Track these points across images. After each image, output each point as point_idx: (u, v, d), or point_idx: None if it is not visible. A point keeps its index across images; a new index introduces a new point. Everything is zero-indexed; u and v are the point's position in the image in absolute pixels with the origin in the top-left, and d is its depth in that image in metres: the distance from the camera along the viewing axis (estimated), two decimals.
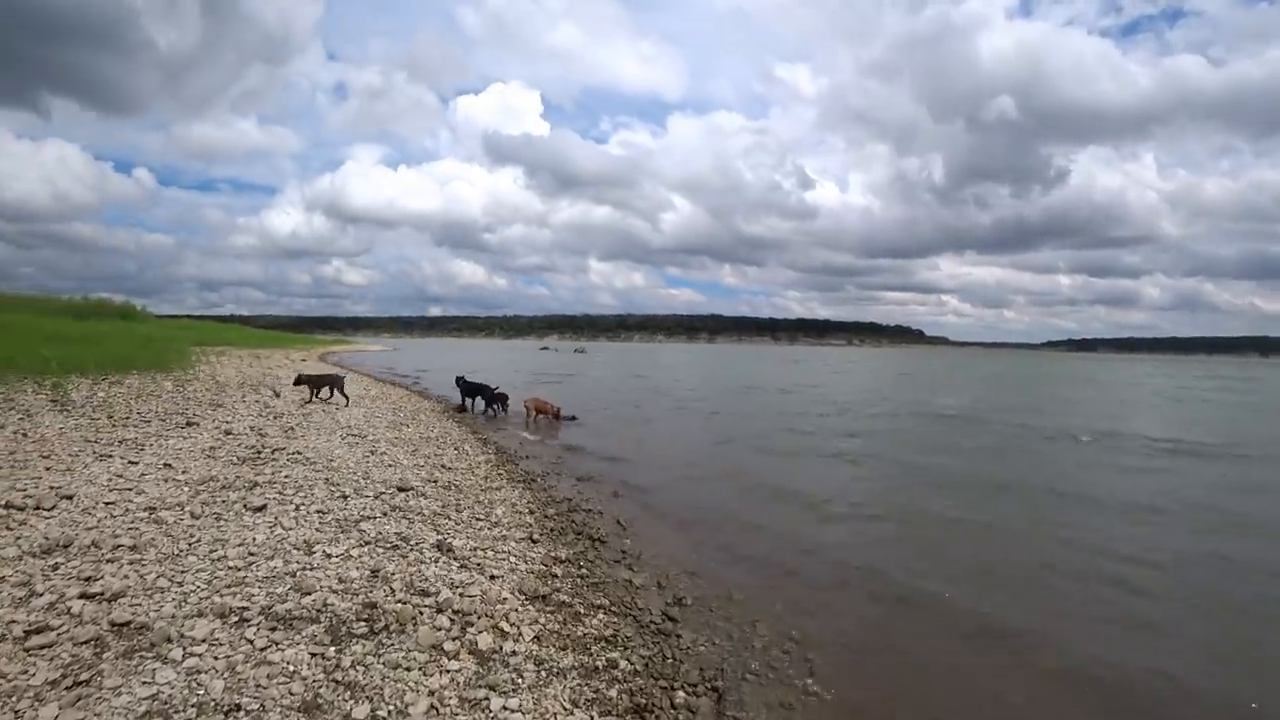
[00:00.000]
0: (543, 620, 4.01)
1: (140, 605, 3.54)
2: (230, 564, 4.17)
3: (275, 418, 10.10)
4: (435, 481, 7.19)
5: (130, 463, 6.42)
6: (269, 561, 4.25)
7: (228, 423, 9.11)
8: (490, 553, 5.11)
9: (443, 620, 3.71)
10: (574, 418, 15.38)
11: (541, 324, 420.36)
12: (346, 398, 13.18)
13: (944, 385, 32.73)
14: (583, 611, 4.33)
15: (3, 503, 4.87)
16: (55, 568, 3.94)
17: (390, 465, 7.66)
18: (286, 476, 6.47)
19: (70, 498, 5.17)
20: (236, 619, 3.49)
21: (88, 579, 3.82)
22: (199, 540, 4.51)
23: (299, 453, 7.60)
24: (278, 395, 12.89)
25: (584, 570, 5.19)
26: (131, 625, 3.34)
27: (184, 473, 6.26)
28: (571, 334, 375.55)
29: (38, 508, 4.88)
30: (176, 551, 4.29)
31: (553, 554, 5.43)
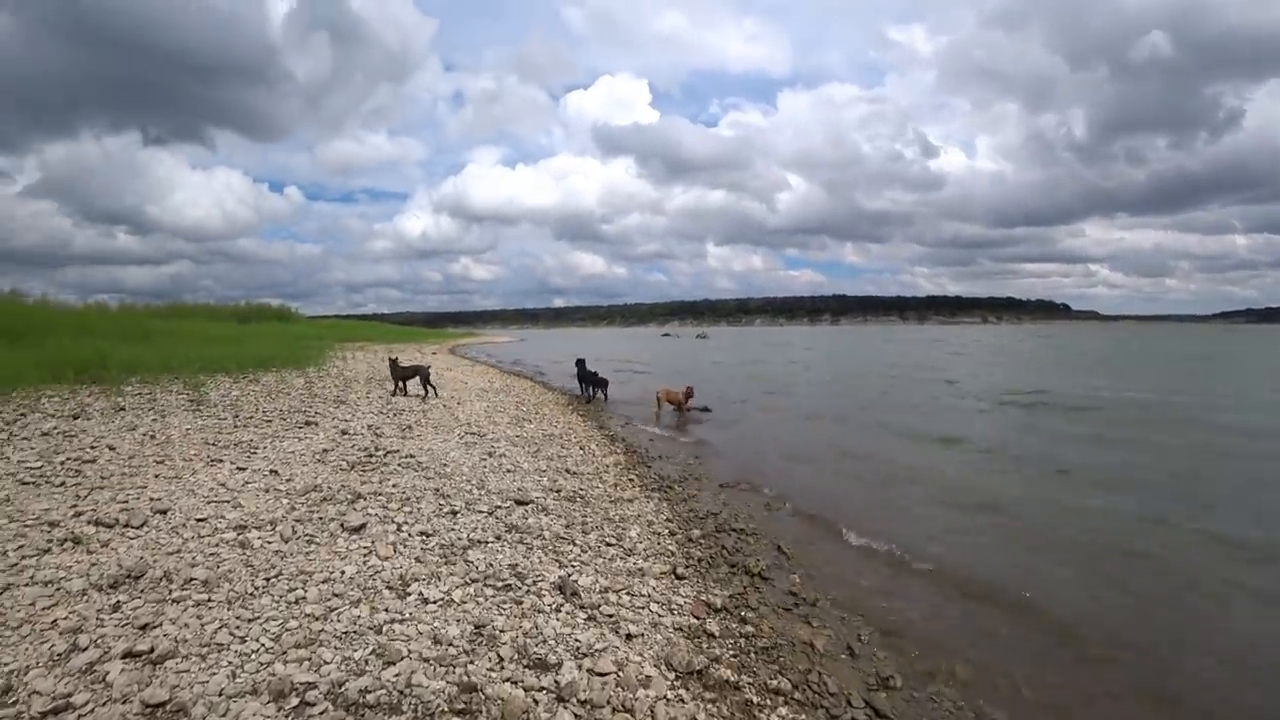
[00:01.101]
0: (703, 719, 2.85)
1: (186, 674, 2.79)
2: (307, 610, 3.38)
3: (395, 415, 9.77)
4: (558, 492, 6.28)
5: (238, 469, 6.04)
6: (353, 609, 3.43)
7: (346, 421, 8.82)
8: (625, 596, 4.04)
9: (565, 718, 2.65)
10: (707, 409, 14.20)
11: (662, 310, 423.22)
12: (433, 389, 12.71)
13: (1116, 367, 27.98)
14: (756, 700, 3.13)
15: (94, 519, 4.46)
16: (115, 608, 3.34)
17: (509, 471, 6.87)
18: (394, 486, 5.81)
19: (165, 512, 4.73)
20: (297, 701, 2.63)
21: (143, 627, 3.16)
22: (280, 573, 3.80)
23: (412, 456, 7.01)
24: (403, 391, 12.79)
25: (748, 625, 3.98)
26: (167, 707, 2.57)
27: (288, 480, 5.77)
28: (692, 319, 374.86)
29: (127, 525, 4.43)
30: (251, 590, 3.58)
31: (704, 597, 4.27)
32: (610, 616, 3.69)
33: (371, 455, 6.93)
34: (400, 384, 12.51)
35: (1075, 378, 21.75)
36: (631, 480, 7.35)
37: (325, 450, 7.02)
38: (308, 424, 8.38)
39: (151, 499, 5.00)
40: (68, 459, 5.96)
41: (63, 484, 5.25)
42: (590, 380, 15.91)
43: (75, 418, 7.76)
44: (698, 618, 3.93)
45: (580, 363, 16.33)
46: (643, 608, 3.93)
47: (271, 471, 6.01)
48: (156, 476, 5.66)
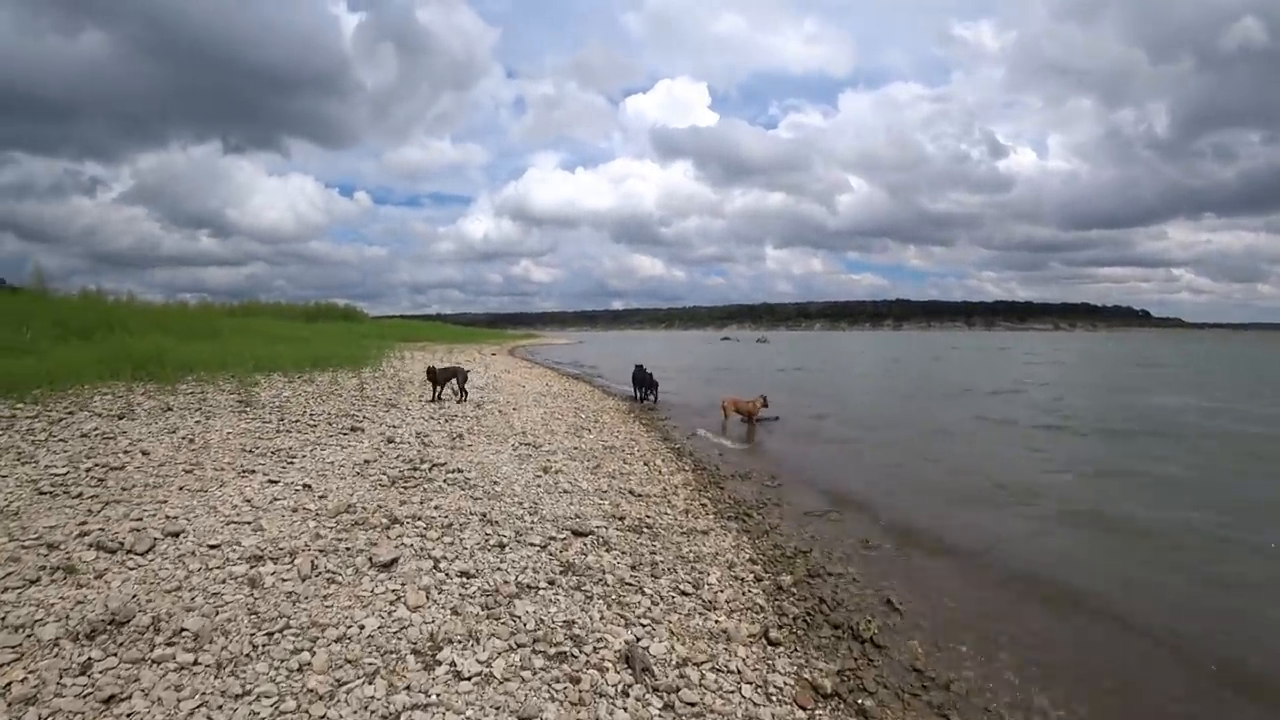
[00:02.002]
0: None
1: None
2: (311, 684, 2.68)
3: (446, 420, 9.21)
4: (621, 519, 5.49)
5: (270, 481, 5.51)
6: (367, 686, 2.71)
7: (394, 427, 8.29)
8: (709, 672, 3.21)
9: None
10: (776, 418, 13.20)
11: (721, 314, 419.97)
12: (465, 393, 11.96)
13: (1226, 384, 25.16)
14: None
15: (98, 541, 3.93)
16: (85, 668, 2.74)
17: (566, 491, 6.13)
18: (436, 508, 5.14)
19: (177, 534, 4.18)
20: None
21: (108, 700, 2.52)
22: (287, 626, 3.13)
23: (459, 470, 6.36)
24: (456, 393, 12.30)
25: None
26: None
27: (321, 498, 5.18)
28: (751, 323, 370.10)
29: (131, 550, 3.88)
30: (247, 650, 2.92)
31: (808, 675, 3.38)
32: (693, 706, 2.86)
33: (416, 468, 6.31)
34: (437, 389, 11.64)
35: (1188, 397, 19.55)
36: (704, 505, 6.50)
37: (367, 461, 6.44)
38: (353, 429, 7.88)
39: (167, 517, 4.47)
40: (95, 465, 5.56)
41: (80, 495, 4.80)
42: (644, 383, 16.12)
43: (120, 418, 7.49)
44: (804, 708, 3.05)
45: (639, 368, 16.50)
46: (732, 691, 3.08)
47: (305, 486, 5.44)
48: (181, 489, 5.17)
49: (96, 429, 6.83)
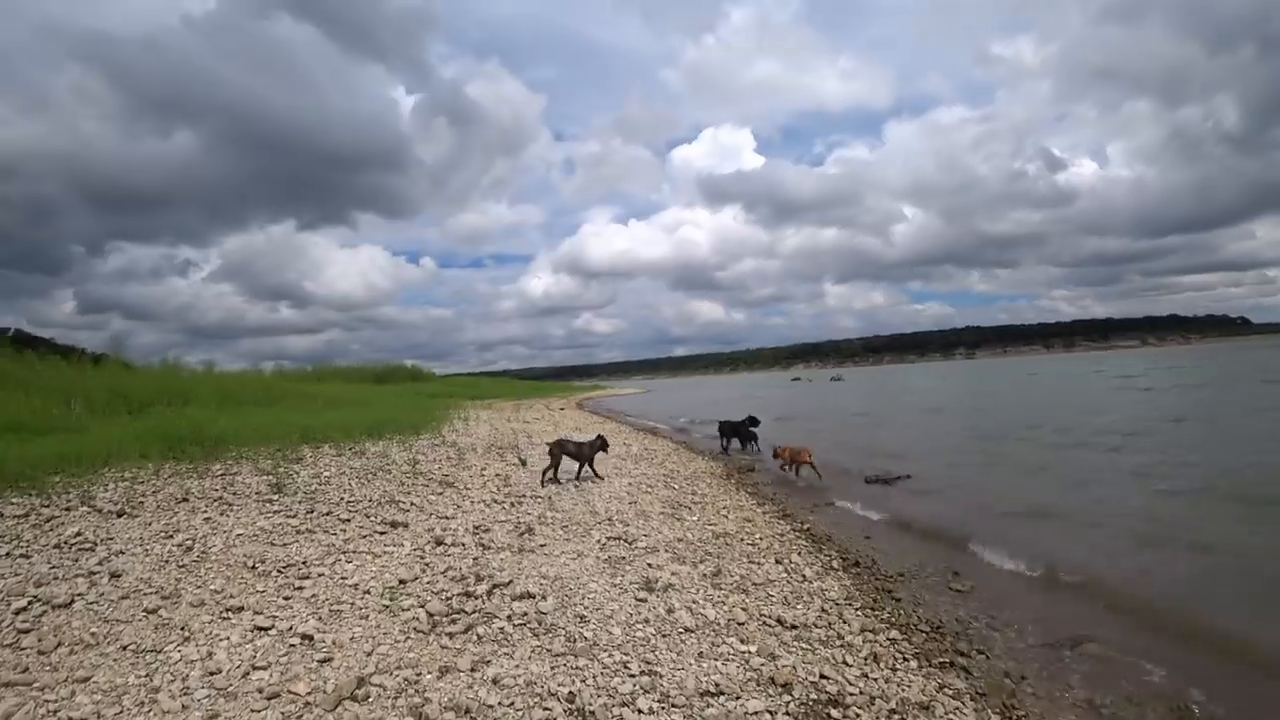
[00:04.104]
0: None
1: None
2: None
3: (513, 505, 7.42)
4: (788, 690, 3.45)
5: (258, 629, 3.78)
6: None
7: (446, 519, 6.57)
8: None
9: None
10: (908, 476, 10.88)
11: (785, 354, 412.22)
12: (593, 470, 10.01)
13: None
14: None
15: None
16: None
17: (689, 630, 4.15)
18: (495, 681, 3.27)
19: None
20: None
21: None
22: None
23: (530, 596, 4.49)
24: (523, 464, 10.55)
25: None
26: None
27: (322, 662, 3.42)
28: (817, 361, 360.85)
29: None
30: None
31: None
32: None
33: (469, 593, 4.48)
34: (555, 467, 9.51)
35: None
36: (888, 635, 4.34)
37: (402, 582, 4.65)
38: (394, 526, 6.16)
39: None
40: (33, 601, 4.01)
41: None
42: (735, 434, 15.43)
43: (120, 515, 6.06)
44: None
45: (736, 425, 15.67)
46: None
47: (303, 638, 3.69)
48: (126, 648, 3.51)
49: (79, 534, 5.38)
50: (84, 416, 10.79)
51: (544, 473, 9.41)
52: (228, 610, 4.02)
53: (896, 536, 7.35)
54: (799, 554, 6.25)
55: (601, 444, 10.11)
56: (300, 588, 4.48)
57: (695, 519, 7.43)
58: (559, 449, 9.61)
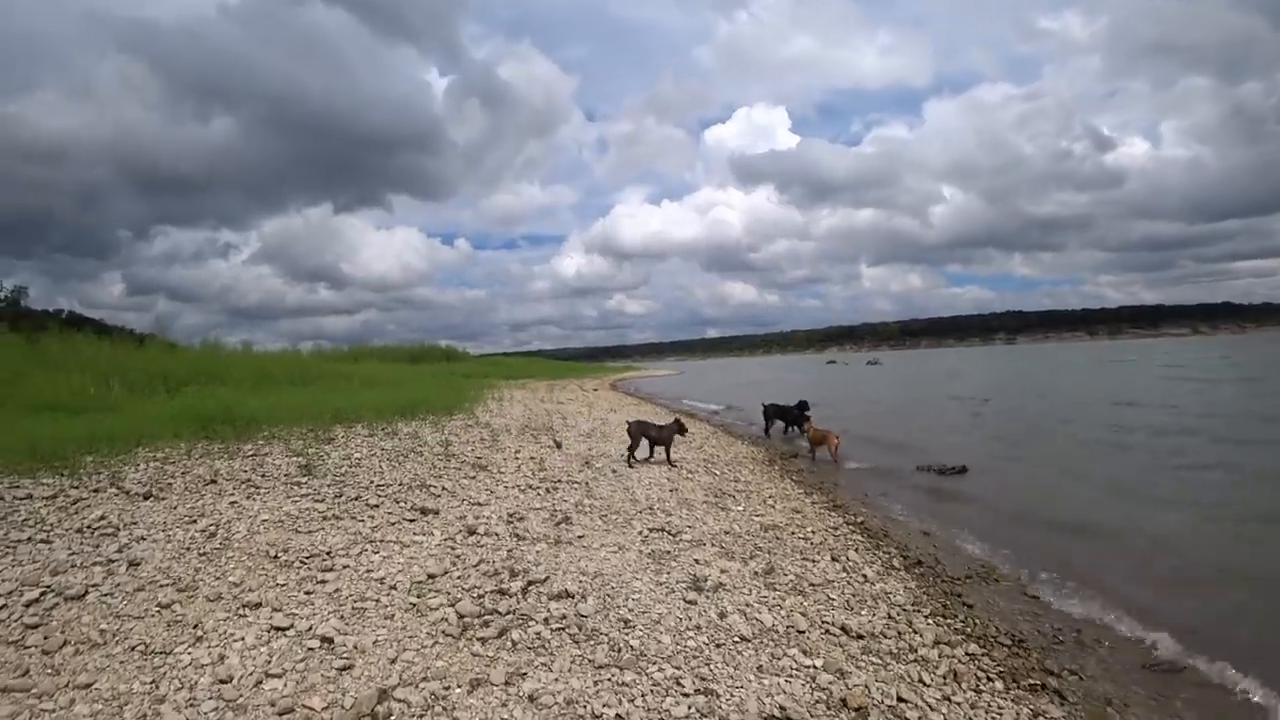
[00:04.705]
0: None
1: None
2: None
3: (549, 491, 7.07)
4: (861, 712, 3.01)
5: (275, 628, 3.47)
6: None
7: (479, 505, 6.24)
8: None
9: None
10: (964, 468, 10.29)
11: (819, 336, 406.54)
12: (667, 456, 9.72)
13: None
14: None
15: None
16: None
17: (744, 639, 3.73)
18: (532, 699, 2.88)
19: None
20: None
21: None
22: None
23: (569, 595, 4.11)
24: (559, 446, 10.22)
25: None
26: None
27: (343, 669, 3.08)
28: (851, 344, 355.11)
29: None
30: None
31: None
32: None
33: (503, 591, 4.12)
34: (634, 451, 9.47)
35: None
36: (975, 660, 3.84)
37: (431, 577, 4.32)
38: (424, 512, 5.85)
39: None
40: (46, 592, 3.79)
41: None
42: (781, 417, 15.26)
43: (147, 497, 5.88)
44: None
45: (783, 408, 15.40)
46: None
47: (323, 641, 3.37)
48: (132, 649, 3.24)
49: (102, 518, 5.18)
50: (121, 396, 10.77)
51: (628, 452, 9.44)
52: (245, 606, 3.72)
53: (957, 533, 6.80)
54: (856, 550, 5.77)
55: (679, 428, 9.92)
56: (323, 581, 4.17)
57: (741, 509, 6.99)
58: (639, 430, 9.54)
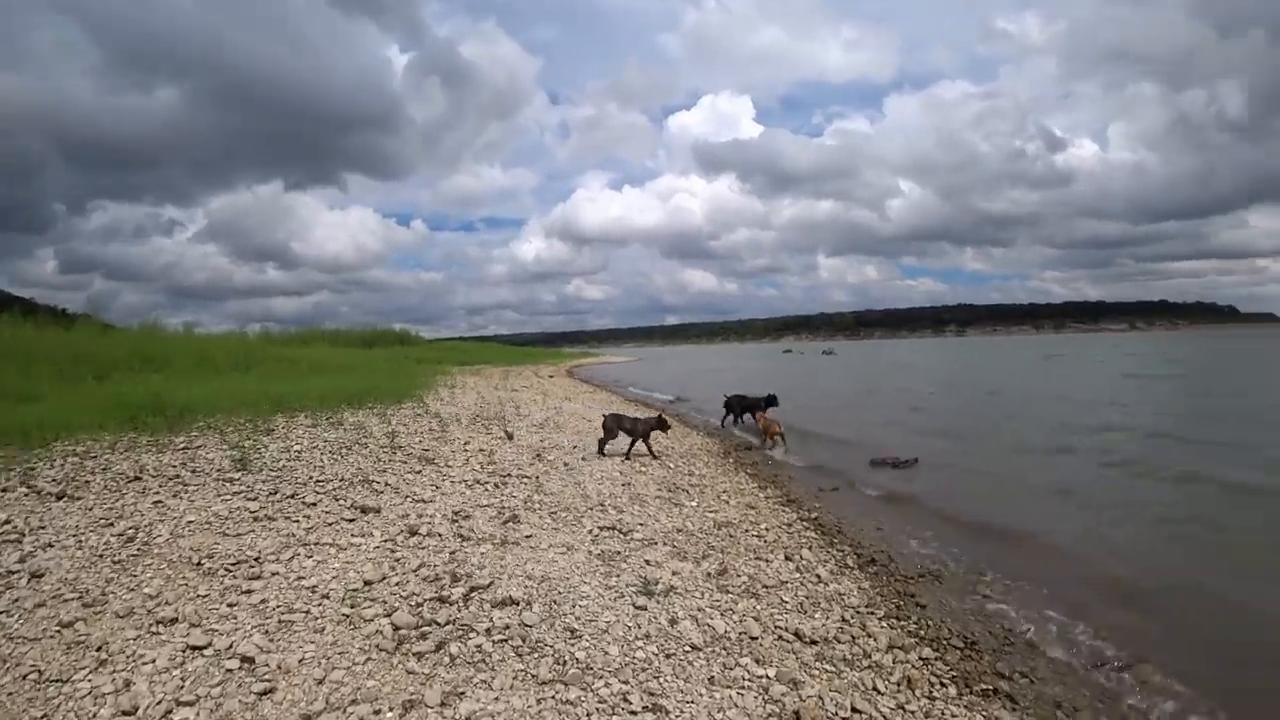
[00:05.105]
0: None
1: None
2: None
3: (496, 487, 6.84)
4: None
5: (192, 648, 3.20)
6: None
7: (423, 503, 5.97)
8: None
9: None
10: (915, 460, 10.42)
11: (777, 325, 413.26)
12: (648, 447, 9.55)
13: None
14: None
15: None
16: None
17: (695, 647, 3.61)
18: None
19: None
20: None
21: None
22: None
23: (513, 601, 3.92)
24: (510, 437, 9.96)
25: None
26: None
27: (263, 694, 2.83)
28: (808, 334, 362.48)
29: None
30: None
31: None
32: None
33: (443, 599, 3.90)
34: (605, 442, 9.35)
35: None
36: (928, 664, 3.79)
37: (368, 584, 4.07)
38: (364, 510, 5.56)
39: None
40: None
41: None
42: (745, 409, 14.73)
43: (59, 498, 5.46)
44: None
45: (750, 399, 15.00)
46: None
47: (243, 661, 3.10)
48: (24, 678, 2.92)
49: (7, 522, 4.79)
50: (43, 383, 10.07)
51: (599, 444, 9.32)
52: (159, 623, 3.42)
53: (911, 528, 6.84)
54: (809, 549, 5.73)
55: (660, 424, 9.63)
56: (249, 591, 3.88)
57: (694, 504, 6.89)
58: (615, 423, 9.38)
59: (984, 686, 3.56)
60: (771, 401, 14.27)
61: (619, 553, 5.04)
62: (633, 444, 9.39)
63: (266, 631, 3.41)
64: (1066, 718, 3.39)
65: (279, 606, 3.71)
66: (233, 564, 4.27)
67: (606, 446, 9.31)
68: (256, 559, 4.36)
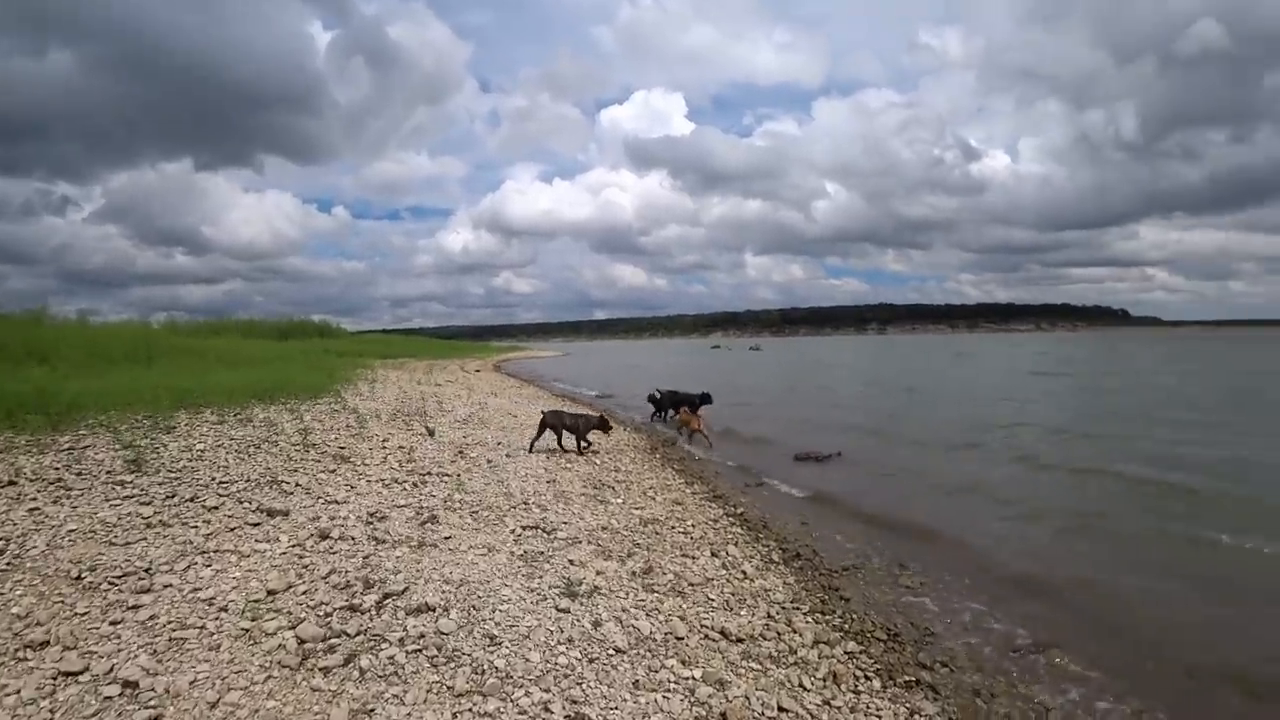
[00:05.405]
0: None
1: None
2: None
3: (416, 485, 6.60)
4: None
5: (65, 675, 2.88)
6: None
7: (336, 504, 5.69)
8: None
9: None
10: (839, 454, 10.74)
11: (705, 321, 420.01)
12: (585, 445, 9.51)
13: None
14: None
15: None
16: None
17: (619, 650, 3.56)
18: None
19: None
20: None
21: None
22: None
23: (428, 607, 3.76)
24: (431, 434, 9.64)
25: None
26: None
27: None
28: (735, 331, 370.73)
29: None
30: None
31: None
32: None
33: (354, 608, 3.69)
34: (550, 435, 9.33)
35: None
36: (853, 658, 3.85)
37: (271, 593, 3.81)
38: (271, 514, 5.22)
39: None
40: None
41: None
42: (675, 405, 14.57)
43: None
44: None
45: (666, 394, 15.17)
46: None
47: (125, 686, 2.83)
48: None
49: None
50: None
51: (531, 441, 9.24)
52: (26, 648, 3.08)
53: (834, 521, 7.03)
54: (735, 545, 5.77)
55: (601, 423, 9.53)
56: (136, 606, 3.56)
57: (620, 501, 6.84)
58: (556, 419, 9.27)
59: (907, 678, 3.67)
60: (706, 400, 14.34)
61: (542, 553, 4.93)
62: (578, 441, 9.31)
63: (154, 651, 3.13)
64: (985, 704, 3.54)
65: (170, 623, 3.41)
66: (118, 577, 3.91)
67: (537, 443, 9.16)
68: (147, 570, 4.01)
